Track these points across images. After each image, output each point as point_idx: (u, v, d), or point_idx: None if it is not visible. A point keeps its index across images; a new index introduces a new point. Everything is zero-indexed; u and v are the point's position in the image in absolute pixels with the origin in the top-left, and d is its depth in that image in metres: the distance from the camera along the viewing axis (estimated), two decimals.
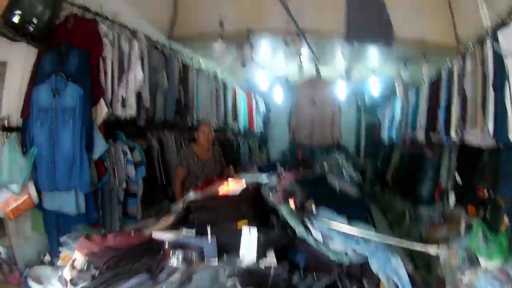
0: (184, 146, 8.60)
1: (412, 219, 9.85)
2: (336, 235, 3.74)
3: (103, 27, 5.91)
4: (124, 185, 6.52)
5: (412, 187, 9.95)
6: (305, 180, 5.56)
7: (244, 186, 4.60)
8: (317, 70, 10.45)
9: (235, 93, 12.60)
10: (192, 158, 7.44)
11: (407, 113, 10.90)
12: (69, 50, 5.45)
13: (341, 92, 12.64)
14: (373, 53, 10.69)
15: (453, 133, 6.78)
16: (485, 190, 6.22)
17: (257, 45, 9.52)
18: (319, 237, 3.72)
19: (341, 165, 8.07)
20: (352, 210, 4.74)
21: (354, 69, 12.31)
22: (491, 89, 5.26)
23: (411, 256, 4.97)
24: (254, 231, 3.43)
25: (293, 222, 3.82)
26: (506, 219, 5.51)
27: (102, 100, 5.75)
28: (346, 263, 3.51)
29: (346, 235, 3.71)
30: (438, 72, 8.40)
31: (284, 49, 9.25)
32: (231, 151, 12.28)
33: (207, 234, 3.45)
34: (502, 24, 5.23)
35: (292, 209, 4.06)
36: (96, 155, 5.69)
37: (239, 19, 8.65)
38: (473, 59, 6.02)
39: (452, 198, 7.80)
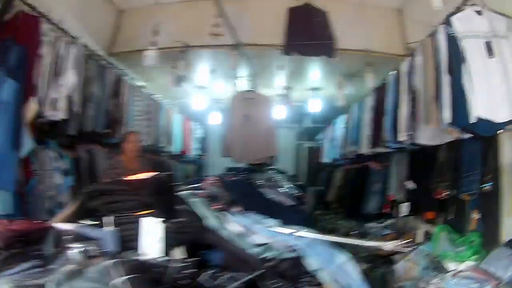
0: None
1: (360, 237, 9.10)
2: (261, 229, 3.22)
3: (45, 27, 5.91)
4: (52, 192, 6.23)
5: (357, 205, 9.58)
6: (234, 184, 5.00)
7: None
8: (253, 85, 9.95)
9: (170, 114, 12.26)
10: (118, 168, 6.90)
11: (350, 128, 10.49)
12: (12, 45, 5.34)
13: (279, 112, 12.29)
14: (315, 70, 10.59)
15: (402, 136, 6.36)
16: (446, 190, 5.81)
17: (194, 63, 9.57)
18: (236, 228, 3.17)
19: (277, 183, 7.38)
20: (290, 217, 4.29)
21: (295, 89, 12.11)
22: (445, 76, 4.94)
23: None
24: (158, 222, 2.76)
25: (202, 211, 3.26)
26: (475, 215, 5.12)
27: (33, 98, 5.59)
28: (270, 257, 2.93)
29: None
30: (383, 80, 8.00)
31: (222, 68, 9.39)
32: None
33: (108, 224, 2.83)
34: (457, 11, 5.07)
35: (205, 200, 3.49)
36: (23, 153, 5.43)
37: (177, 34, 8.69)
38: (425, 51, 5.70)
39: (403, 208, 7.41)
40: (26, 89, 5.42)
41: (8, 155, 5.08)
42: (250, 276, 2.64)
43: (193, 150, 14.55)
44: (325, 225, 12.00)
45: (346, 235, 9.57)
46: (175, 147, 12.62)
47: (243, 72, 10.05)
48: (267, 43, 8.86)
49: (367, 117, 8.71)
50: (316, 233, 3.57)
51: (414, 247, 5.48)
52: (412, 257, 5.32)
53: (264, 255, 2.93)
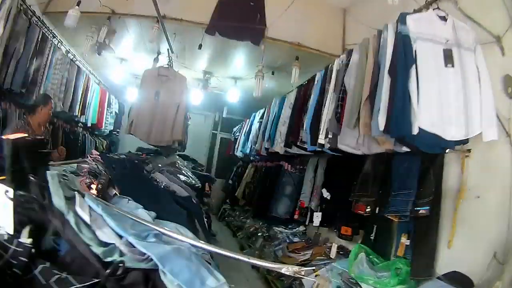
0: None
1: (266, 239, 8.59)
2: (112, 222, 2.40)
3: None
4: None
5: (266, 206, 8.82)
6: (117, 164, 4.16)
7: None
8: (170, 62, 9.01)
9: (88, 83, 11.43)
10: (26, 130, 6.29)
11: (266, 124, 9.67)
12: None
13: (196, 96, 11.87)
14: (239, 58, 9.97)
15: (322, 139, 5.57)
16: (368, 206, 5.10)
17: (119, 32, 9.11)
18: (85, 218, 2.34)
19: (178, 167, 6.59)
20: (176, 210, 3.93)
21: (216, 75, 11.48)
22: (385, 77, 4.24)
23: None
24: (7, 191, 2.04)
25: (54, 188, 2.39)
26: (403, 239, 4.51)
27: None
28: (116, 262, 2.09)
29: (127, 227, 2.41)
30: (311, 77, 7.25)
31: (145, 43, 9.23)
32: (75, 145, 11.19)
33: None
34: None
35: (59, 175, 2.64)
36: None
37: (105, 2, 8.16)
38: (365, 49, 5.00)
39: (316, 218, 6.72)
40: None
41: None
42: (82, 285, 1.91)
43: (107, 125, 13.68)
44: (231, 222, 11.93)
45: (252, 235, 9.27)
46: (88, 119, 11.85)
47: (165, 48, 9.26)
48: (192, 20, 8.27)
49: (286, 114, 8.02)
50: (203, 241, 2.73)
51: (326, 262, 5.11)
52: (323, 273, 4.83)
53: (108, 259, 2.09)
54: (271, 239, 8.15)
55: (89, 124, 11.95)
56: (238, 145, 13.37)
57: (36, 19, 7.69)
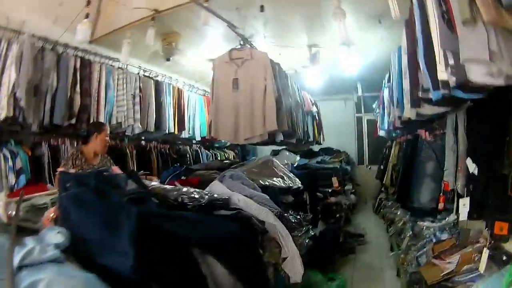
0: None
1: (412, 238, 6.01)
2: None
3: None
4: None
5: (408, 193, 6.37)
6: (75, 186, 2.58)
7: None
8: (244, 39, 7.10)
9: (179, 96, 10.29)
10: (79, 159, 5.84)
11: (392, 86, 7.19)
12: None
13: (314, 78, 10.17)
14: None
15: (442, 72, 3.12)
16: None
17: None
18: None
19: (271, 168, 4.99)
20: None
21: (323, 45, 9.14)
22: None
23: None
24: None
25: None
26: None
27: None
28: None
29: None
30: None
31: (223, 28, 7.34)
32: (183, 163, 9.53)
33: None
34: None
35: None
36: None
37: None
38: None
39: (463, 207, 4.19)
40: None
41: None
42: None
43: None
44: (386, 214, 9.53)
45: (401, 232, 6.90)
46: (195, 133, 10.86)
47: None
48: None
49: (405, 63, 5.32)
50: None
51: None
52: None
53: None
54: (417, 238, 5.74)
55: (197, 138, 10.84)
56: (379, 123, 10.94)
57: (73, 50, 7.35)
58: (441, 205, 5.13)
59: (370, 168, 13.98)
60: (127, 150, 8.49)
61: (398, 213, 7.95)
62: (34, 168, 6.62)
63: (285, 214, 3.93)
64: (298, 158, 7.00)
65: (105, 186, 2.51)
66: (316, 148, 12.10)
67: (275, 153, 7.45)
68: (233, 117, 6.34)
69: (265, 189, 4.06)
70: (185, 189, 3.19)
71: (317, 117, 10.72)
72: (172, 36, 8.17)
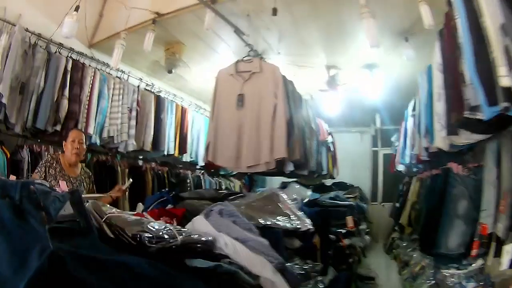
0: None
1: (433, 285, 5.33)
2: None
3: None
4: None
5: (434, 236, 5.34)
6: None
7: None
8: (252, 49, 6.26)
9: (182, 116, 9.48)
10: (54, 168, 5.24)
11: (419, 113, 6.49)
12: None
13: (331, 104, 9.47)
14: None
15: (505, 75, 2.52)
16: None
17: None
18: None
19: (276, 203, 3.95)
20: None
21: (342, 66, 8.40)
22: None
23: None
24: None
25: None
26: None
27: None
28: None
29: None
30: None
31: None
32: (182, 190, 8.57)
33: None
34: None
35: None
36: None
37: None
38: None
39: (507, 254, 3.52)
40: None
41: None
42: None
43: None
44: (399, 255, 8.72)
45: (417, 276, 6.25)
46: (199, 158, 9.97)
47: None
48: None
49: (437, 82, 4.65)
50: None
51: None
52: None
53: None
54: (439, 287, 4.98)
55: (200, 164, 9.99)
56: (398, 156, 10.04)
57: (68, 51, 6.89)
58: (474, 252, 4.22)
59: (383, 206, 13.15)
60: (119, 168, 7.72)
61: (414, 256, 7.14)
62: (12, 173, 5.86)
63: (289, 265, 2.94)
64: (309, 192, 6.13)
65: (29, 204, 1.78)
66: (328, 182, 11.21)
67: (283, 185, 6.59)
68: (236, 139, 5.46)
69: (265, 230, 3.10)
70: (155, 223, 2.35)
71: (331, 148, 9.90)
72: (175, 47, 7.53)
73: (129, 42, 6.71)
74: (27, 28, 6.09)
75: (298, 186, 6.67)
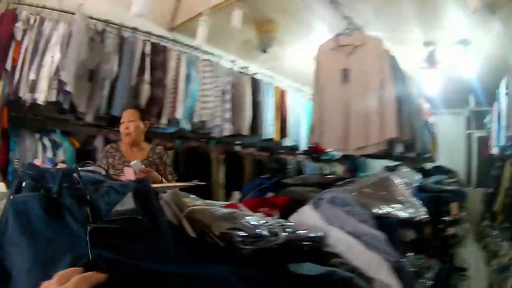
0: None
1: None
2: None
3: (23, 13, 5.44)
4: None
5: None
6: None
7: None
8: (351, 23, 5.65)
9: (282, 99, 8.88)
10: (113, 157, 4.75)
11: None
12: None
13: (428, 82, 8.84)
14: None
15: None
16: None
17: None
18: None
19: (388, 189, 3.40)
20: None
21: (439, 42, 7.85)
22: None
23: None
24: None
25: None
26: None
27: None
28: None
29: None
30: None
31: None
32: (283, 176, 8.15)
33: None
34: None
35: None
36: None
37: None
38: None
39: None
40: None
41: None
42: None
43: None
44: (489, 244, 8.25)
45: (504, 269, 5.92)
46: (300, 142, 9.35)
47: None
48: None
49: None
50: None
51: None
52: None
53: None
54: None
55: (302, 149, 9.42)
56: (492, 139, 9.52)
57: (132, 34, 6.49)
58: None
59: (477, 191, 12.50)
60: (212, 155, 7.39)
61: (504, 245, 6.77)
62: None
63: (404, 261, 2.51)
64: (417, 177, 5.61)
65: (69, 197, 1.42)
66: (427, 166, 10.63)
67: (390, 169, 6.10)
68: (342, 117, 5.13)
69: (379, 220, 2.60)
70: (252, 217, 1.87)
71: (431, 130, 9.23)
72: (267, 25, 7.09)
73: (217, 23, 6.36)
74: (91, 16, 5.86)
75: (406, 169, 6.20)
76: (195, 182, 2.89)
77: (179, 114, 6.55)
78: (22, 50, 5.31)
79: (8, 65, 5.24)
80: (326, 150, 9.61)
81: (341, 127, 5.08)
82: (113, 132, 6.15)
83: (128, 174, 2.85)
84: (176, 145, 6.95)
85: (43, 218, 1.31)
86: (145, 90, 6.22)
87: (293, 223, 2.02)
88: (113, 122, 5.96)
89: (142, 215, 1.44)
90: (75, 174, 1.49)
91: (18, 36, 5.32)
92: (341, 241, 2.13)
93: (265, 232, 1.69)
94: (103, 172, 1.86)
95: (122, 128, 4.79)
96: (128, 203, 1.47)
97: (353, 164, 11.07)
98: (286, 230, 1.80)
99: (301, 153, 9.77)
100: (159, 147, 5.00)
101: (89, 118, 5.77)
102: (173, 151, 6.74)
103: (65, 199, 1.38)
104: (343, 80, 5.09)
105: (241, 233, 1.62)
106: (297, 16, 6.74)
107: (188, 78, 6.78)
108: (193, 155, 6.97)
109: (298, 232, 1.86)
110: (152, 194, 1.58)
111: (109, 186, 1.54)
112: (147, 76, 6.26)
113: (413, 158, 6.52)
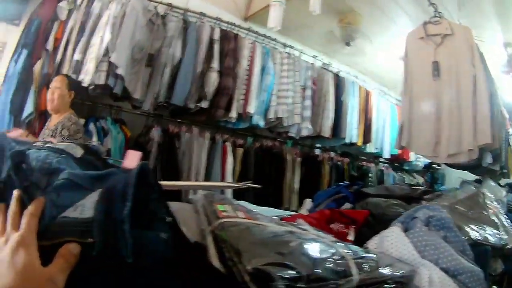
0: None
1: None
2: None
3: None
4: None
5: None
6: None
7: None
8: (437, 11, 4.76)
9: (366, 96, 8.06)
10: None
11: None
12: (33, 20, 5.28)
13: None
14: None
15: None
16: None
17: None
18: None
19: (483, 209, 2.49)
20: None
21: None
22: None
23: None
24: None
25: None
26: None
27: (39, 62, 5.13)
28: None
29: None
30: None
31: None
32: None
33: None
34: None
35: None
36: (22, 118, 5.01)
37: None
38: None
39: None
40: (33, 56, 5.12)
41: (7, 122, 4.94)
42: None
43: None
44: None
45: None
46: (384, 149, 8.38)
47: None
48: None
49: None
50: None
51: None
52: None
53: None
54: None
55: (385, 156, 8.53)
56: None
57: (213, 19, 6.22)
58: None
59: None
60: (287, 157, 6.71)
61: None
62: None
63: None
64: (504, 193, 4.70)
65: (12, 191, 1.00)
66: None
67: (477, 181, 5.22)
68: (434, 118, 4.28)
69: (473, 247, 1.84)
70: (314, 242, 1.25)
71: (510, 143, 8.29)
72: (350, 16, 6.52)
73: (295, 15, 5.97)
74: None
75: (493, 183, 5.31)
76: (247, 184, 2.27)
77: (252, 108, 5.96)
78: (67, 30, 5.21)
79: (50, 45, 5.15)
80: (408, 160, 8.90)
81: (433, 130, 4.23)
82: (174, 123, 5.86)
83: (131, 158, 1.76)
84: (248, 143, 6.40)
85: None
86: (213, 78, 5.73)
87: (375, 255, 1.39)
88: (175, 112, 5.84)
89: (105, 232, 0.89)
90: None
91: (62, 16, 5.27)
92: (434, 282, 1.46)
93: (329, 271, 1.08)
94: (79, 153, 1.25)
95: (48, 94, 4.60)
96: (88, 207, 0.94)
97: (433, 176, 10.18)
98: (363, 266, 1.22)
99: (383, 161, 8.94)
100: (73, 117, 4.60)
101: (146, 106, 5.51)
102: (243, 149, 6.23)
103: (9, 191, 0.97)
104: (434, 74, 4.28)
105: (290, 272, 1.00)
106: (380, 6, 6.21)
107: (263, 69, 6.21)
108: (266, 155, 6.41)
109: (380, 270, 1.26)
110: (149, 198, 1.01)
111: (67, 179, 1.02)
112: (215, 63, 5.78)
113: (492, 171, 5.50)
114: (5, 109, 4.89)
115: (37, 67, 5.06)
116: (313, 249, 1.16)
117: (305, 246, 1.16)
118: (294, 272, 0.99)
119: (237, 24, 6.43)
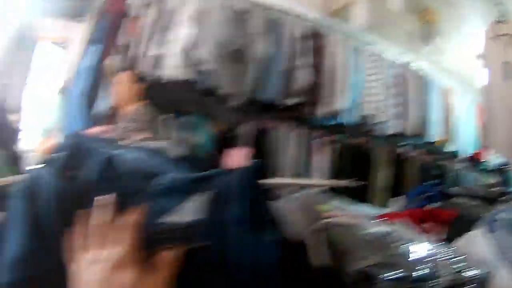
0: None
1: None
2: None
3: None
4: None
5: None
6: None
7: None
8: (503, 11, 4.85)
9: (447, 95, 7.83)
10: None
11: None
12: (104, 15, 5.33)
13: None
14: None
15: None
16: None
17: None
18: None
19: None
20: None
21: None
22: None
23: None
24: None
25: None
26: None
27: (111, 57, 5.09)
28: None
29: None
30: None
31: None
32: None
33: None
34: None
35: None
36: (95, 111, 5.00)
37: None
38: None
39: None
40: (106, 50, 5.09)
41: (81, 117, 4.88)
42: None
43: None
44: None
45: None
46: (463, 149, 8.05)
47: None
48: None
49: None
50: None
51: None
52: None
53: None
54: None
55: (463, 155, 8.31)
56: None
57: (296, 16, 5.92)
58: None
59: None
60: (375, 154, 6.71)
61: None
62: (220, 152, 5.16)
63: None
64: None
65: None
66: None
67: None
68: (508, 119, 4.25)
69: None
70: (413, 244, 1.24)
71: None
72: (429, 14, 6.57)
73: (378, 13, 5.96)
74: None
75: None
76: (350, 181, 2.39)
77: (340, 105, 5.82)
78: (142, 25, 5.16)
79: (123, 40, 5.11)
80: (481, 160, 8.76)
81: (507, 130, 4.29)
82: (262, 119, 5.74)
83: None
84: (337, 141, 6.31)
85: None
86: (301, 75, 5.59)
87: (463, 256, 1.34)
88: (263, 108, 5.66)
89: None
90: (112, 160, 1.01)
91: (134, 11, 5.25)
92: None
93: (428, 272, 1.13)
94: (172, 153, 1.26)
95: (116, 90, 4.77)
96: (192, 211, 0.92)
97: (504, 177, 9.91)
98: (453, 267, 1.22)
99: (460, 161, 8.84)
100: (142, 109, 4.68)
101: (235, 102, 5.37)
102: (332, 146, 6.19)
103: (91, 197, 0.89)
104: (506, 76, 4.27)
105: (393, 273, 1.08)
106: (453, 3, 6.29)
107: (350, 67, 6.14)
108: (355, 153, 6.44)
109: (468, 271, 1.24)
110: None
111: (167, 183, 0.99)
112: (303, 60, 5.65)
113: None
114: (78, 104, 4.85)
115: (109, 62, 5.11)
116: (414, 250, 1.20)
117: (406, 247, 1.20)
118: (397, 273, 1.07)
119: (322, 21, 6.34)
